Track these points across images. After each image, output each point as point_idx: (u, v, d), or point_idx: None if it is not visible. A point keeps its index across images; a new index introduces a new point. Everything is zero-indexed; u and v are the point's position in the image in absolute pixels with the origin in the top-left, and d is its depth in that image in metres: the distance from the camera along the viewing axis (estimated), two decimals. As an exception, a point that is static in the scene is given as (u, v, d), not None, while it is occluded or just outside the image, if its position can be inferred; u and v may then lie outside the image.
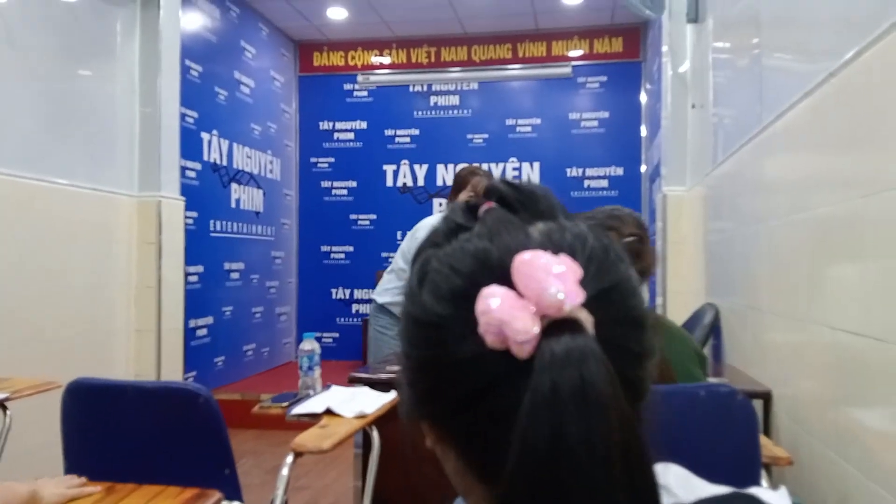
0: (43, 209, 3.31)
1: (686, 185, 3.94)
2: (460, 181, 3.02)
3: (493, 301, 0.43)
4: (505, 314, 0.43)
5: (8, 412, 2.06)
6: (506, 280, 0.44)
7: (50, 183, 3.36)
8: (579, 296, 0.43)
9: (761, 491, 0.58)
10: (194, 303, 4.67)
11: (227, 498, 1.31)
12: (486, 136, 6.37)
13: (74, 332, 3.53)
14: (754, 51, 2.41)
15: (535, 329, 0.43)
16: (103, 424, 1.37)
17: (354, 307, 6.44)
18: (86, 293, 3.64)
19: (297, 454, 1.57)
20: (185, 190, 4.44)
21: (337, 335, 6.41)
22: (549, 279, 0.43)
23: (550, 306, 0.43)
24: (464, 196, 2.96)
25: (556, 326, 0.43)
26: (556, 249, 0.45)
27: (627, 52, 6.20)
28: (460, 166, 3.17)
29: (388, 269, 3.31)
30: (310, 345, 2.16)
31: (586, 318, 0.44)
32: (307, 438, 1.63)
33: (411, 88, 6.45)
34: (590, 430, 0.40)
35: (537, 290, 0.43)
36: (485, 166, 6.34)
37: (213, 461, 1.34)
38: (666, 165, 4.24)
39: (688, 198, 3.87)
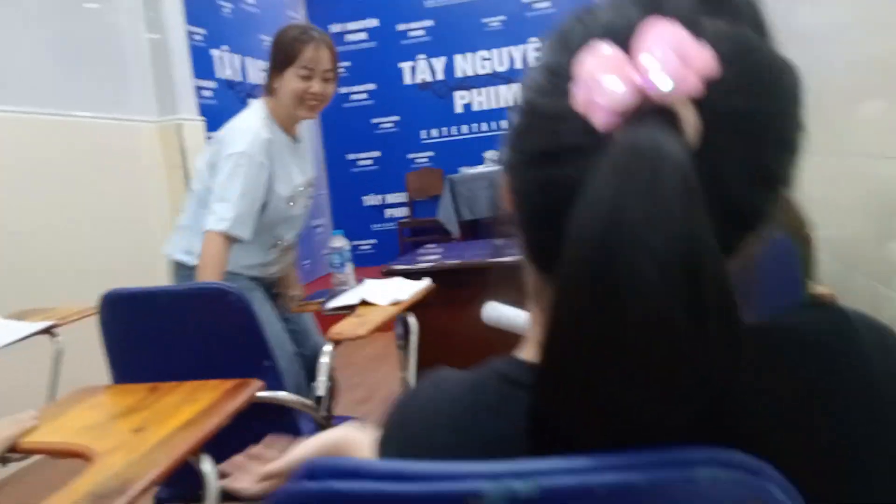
0: (66, 143, 3.32)
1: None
2: (290, 51, 1.96)
3: (596, 55, 0.38)
4: (601, 71, 0.38)
5: (59, 338, 2.14)
6: (623, 43, 0.39)
7: (68, 116, 3.35)
8: (693, 88, 0.37)
9: None
10: (230, 222, 4.72)
11: (269, 388, 1.34)
12: (503, 18, 6.10)
13: (115, 261, 3.61)
14: None
15: (625, 98, 0.37)
16: (141, 330, 1.41)
17: (388, 212, 6.45)
18: (121, 223, 3.70)
19: (336, 342, 1.60)
20: (204, 110, 4.40)
21: (375, 241, 6.46)
22: (668, 52, 0.37)
23: (652, 83, 0.36)
24: (296, 72, 1.94)
25: (652, 113, 0.37)
26: (697, 34, 0.38)
27: None
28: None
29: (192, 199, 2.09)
30: (339, 241, 2.16)
31: (690, 122, 0.37)
32: (344, 327, 1.65)
33: (420, -23, 6.18)
34: (649, 223, 0.35)
35: (648, 60, 0.37)
36: (505, 51, 6.17)
37: (251, 355, 1.37)
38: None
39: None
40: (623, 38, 0.39)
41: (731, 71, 0.38)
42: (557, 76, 0.42)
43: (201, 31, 4.70)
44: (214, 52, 4.89)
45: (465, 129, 6.22)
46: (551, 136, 0.41)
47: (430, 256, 2.60)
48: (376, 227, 6.49)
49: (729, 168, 0.39)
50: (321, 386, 1.53)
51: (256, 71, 5.45)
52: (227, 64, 5.03)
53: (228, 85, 5.03)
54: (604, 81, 0.37)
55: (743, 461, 0.38)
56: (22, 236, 2.99)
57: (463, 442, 0.48)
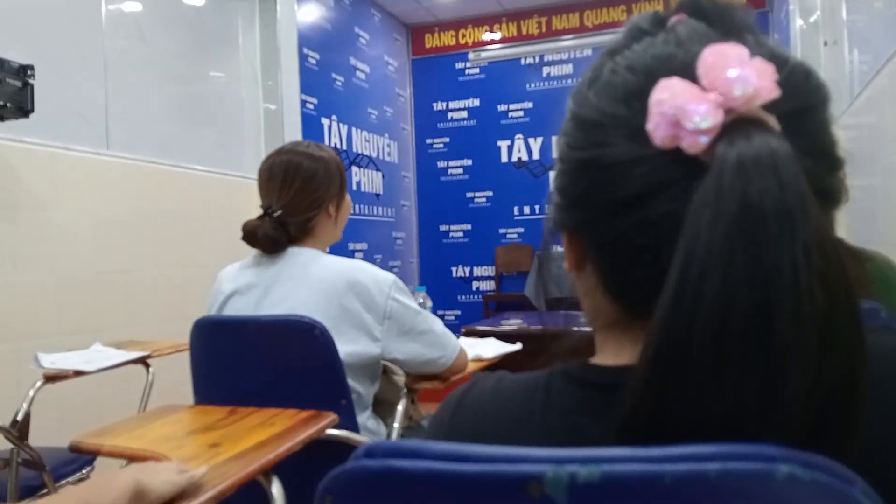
0: (179, 192, 3.56)
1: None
2: (344, 169, 1.82)
3: (670, 88, 0.40)
4: (683, 101, 0.39)
5: (151, 369, 2.25)
6: (689, 76, 0.40)
7: (184, 168, 3.60)
8: (774, 91, 0.38)
9: None
10: (321, 281, 4.85)
11: (343, 427, 1.34)
12: (601, 104, 6.18)
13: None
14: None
15: (718, 117, 0.38)
16: (227, 356, 1.45)
17: (475, 284, 6.48)
18: (220, 268, 3.87)
19: (412, 390, 1.60)
20: (308, 172, 4.63)
21: (459, 312, 6.48)
22: (741, 68, 0.38)
23: (738, 97, 0.38)
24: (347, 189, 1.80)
25: (743, 123, 0.38)
26: (752, 53, 0.40)
27: (752, 1, 5.82)
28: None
29: None
30: (420, 297, 2.19)
31: (773, 124, 0.39)
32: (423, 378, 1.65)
33: (523, 61, 6.37)
34: (793, 253, 0.35)
35: (724, 79, 0.38)
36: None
37: (329, 391, 1.38)
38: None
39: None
40: (685, 70, 0.41)
41: (784, 75, 0.41)
42: (618, 126, 0.43)
43: (313, 100, 5.00)
44: (324, 121, 5.18)
45: (557, 208, 6.24)
46: (634, 181, 0.42)
47: (514, 321, 2.58)
48: (462, 298, 6.52)
49: (807, 155, 0.40)
50: (394, 432, 1.53)
51: (361, 141, 5.72)
52: (334, 132, 5.31)
53: (335, 151, 5.28)
54: (689, 108, 0.38)
55: (831, 466, 0.35)
56: (129, 274, 3.18)
57: (524, 433, 0.47)
